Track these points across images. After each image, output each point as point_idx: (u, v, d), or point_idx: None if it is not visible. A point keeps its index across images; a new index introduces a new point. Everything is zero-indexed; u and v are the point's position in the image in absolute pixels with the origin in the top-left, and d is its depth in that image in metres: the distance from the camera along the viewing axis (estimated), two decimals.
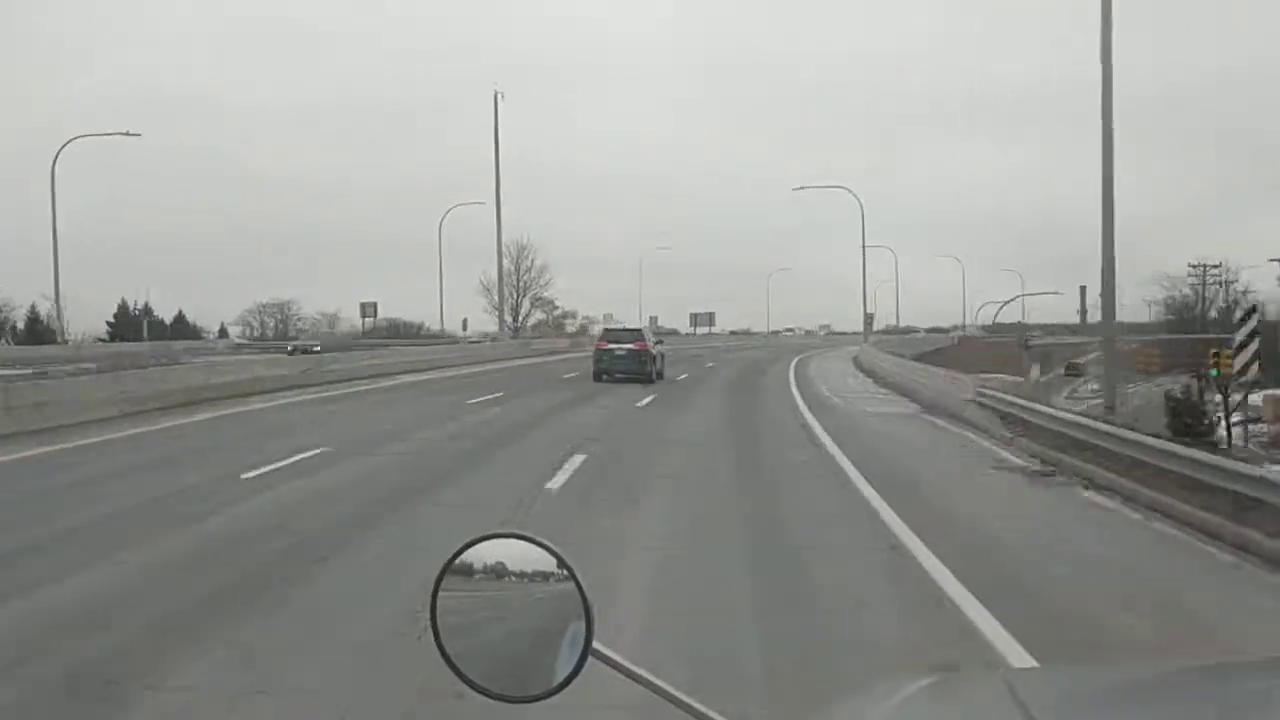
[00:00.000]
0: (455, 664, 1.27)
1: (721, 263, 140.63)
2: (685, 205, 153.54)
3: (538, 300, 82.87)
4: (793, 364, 39.43)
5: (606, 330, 29.50)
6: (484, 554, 1.31)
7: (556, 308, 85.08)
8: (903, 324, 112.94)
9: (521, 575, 1.29)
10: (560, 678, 1.26)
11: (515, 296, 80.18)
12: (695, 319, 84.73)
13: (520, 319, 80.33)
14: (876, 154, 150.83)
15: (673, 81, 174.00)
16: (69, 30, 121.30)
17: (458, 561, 1.31)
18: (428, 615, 1.31)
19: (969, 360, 31.62)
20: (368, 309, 72.17)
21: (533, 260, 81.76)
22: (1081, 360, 36.77)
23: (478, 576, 1.30)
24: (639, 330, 28.21)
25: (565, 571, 1.28)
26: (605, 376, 25.63)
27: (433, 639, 1.28)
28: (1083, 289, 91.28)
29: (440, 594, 1.29)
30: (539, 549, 1.30)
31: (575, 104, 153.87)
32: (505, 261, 66.71)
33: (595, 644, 1.25)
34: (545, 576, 1.29)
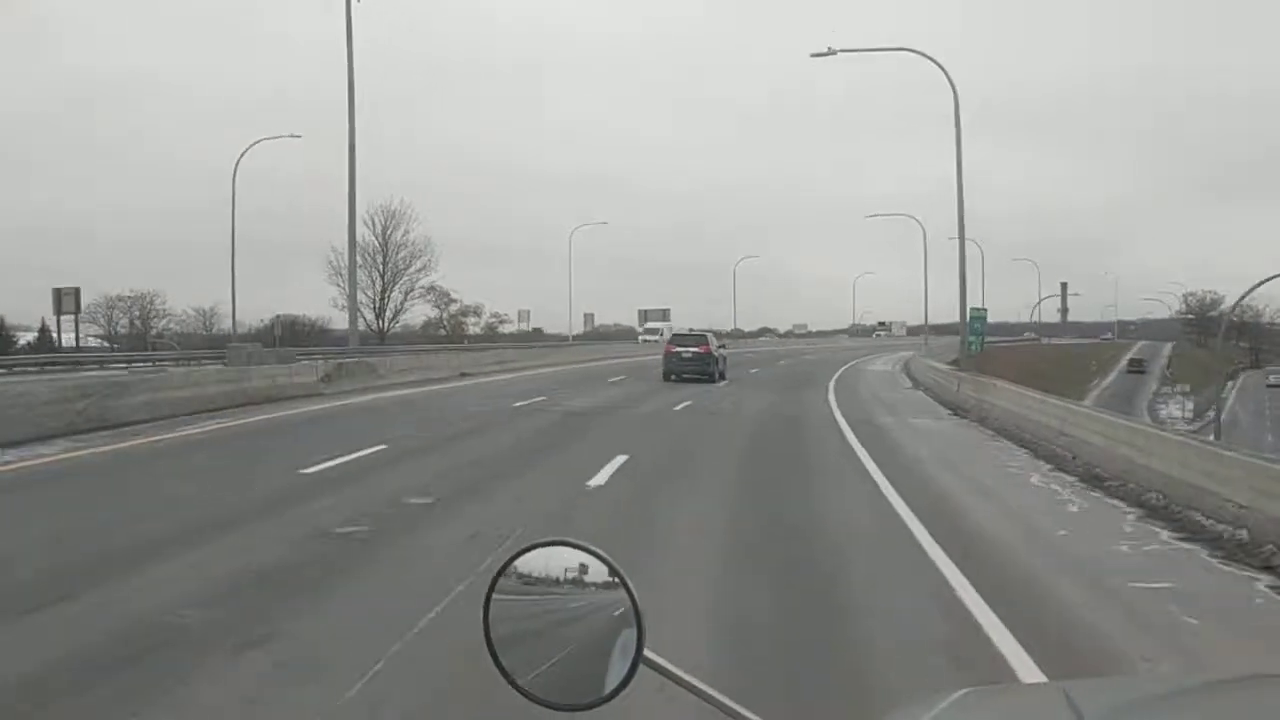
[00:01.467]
0: (507, 672, 1.27)
1: (681, 257, 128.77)
2: (643, 201, 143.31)
3: (421, 291, 57.76)
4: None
5: (674, 335, 32.09)
6: (536, 561, 1.31)
7: (453, 300, 61.00)
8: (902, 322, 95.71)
9: (573, 583, 1.29)
10: (612, 686, 1.25)
11: (380, 283, 55.10)
12: (645, 316, 64.72)
13: (391, 315, 56.35)
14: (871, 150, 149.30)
15: (632, 76, 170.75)
16: None
17: (510, 568, 1.31)
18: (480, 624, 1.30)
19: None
20: (65, 298, 36.56)
21: (406, 232, 55.15)
22: (1137, 354, 35.61)
23: (530, 583, 1.30)
24: (703, 335, 30.82)
25: (617, 579, 1.28)
26: (674, 376, 27.84)
27: (485, 646, 1.28)
28: (1063, 285, 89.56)
29: (493, 601, 1.29)
30: (591, 556, 1.29)
31: (537, 99, 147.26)
32: (365, 232, 47.40)
33: (647, 652, 1.24)
34: (597, 584, 1.29)
